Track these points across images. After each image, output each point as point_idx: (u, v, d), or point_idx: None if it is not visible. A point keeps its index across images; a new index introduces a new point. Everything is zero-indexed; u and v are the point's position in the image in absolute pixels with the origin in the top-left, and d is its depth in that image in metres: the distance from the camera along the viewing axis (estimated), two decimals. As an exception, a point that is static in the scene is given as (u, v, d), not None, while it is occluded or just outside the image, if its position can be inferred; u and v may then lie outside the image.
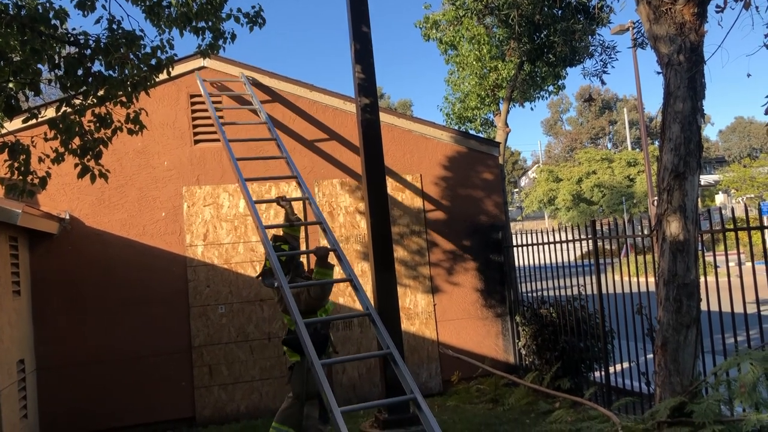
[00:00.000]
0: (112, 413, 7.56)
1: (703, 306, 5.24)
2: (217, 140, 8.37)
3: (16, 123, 6.43)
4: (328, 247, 6.01)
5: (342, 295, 8.43)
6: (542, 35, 13.32)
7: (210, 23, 5.52)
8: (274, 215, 8.28)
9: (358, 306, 8.46)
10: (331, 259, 5.92)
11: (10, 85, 4.58)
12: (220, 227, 8.22)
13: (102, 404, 7.53)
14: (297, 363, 5.67)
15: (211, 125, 8.39)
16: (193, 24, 5.42)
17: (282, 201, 6.28)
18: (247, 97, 8.38)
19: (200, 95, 8.38)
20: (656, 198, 5.35)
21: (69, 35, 4.88)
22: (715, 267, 7.25)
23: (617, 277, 7.14)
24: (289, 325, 5.71)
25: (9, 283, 6.56)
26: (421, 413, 4.77)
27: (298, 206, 8.11)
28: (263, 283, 5.82)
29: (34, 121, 5.15)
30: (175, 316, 7.91)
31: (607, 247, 8.83)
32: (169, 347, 7.85)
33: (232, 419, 7.88)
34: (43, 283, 7.49)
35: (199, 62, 8.34)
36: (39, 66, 4.68)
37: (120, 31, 4.94)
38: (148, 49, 5.13)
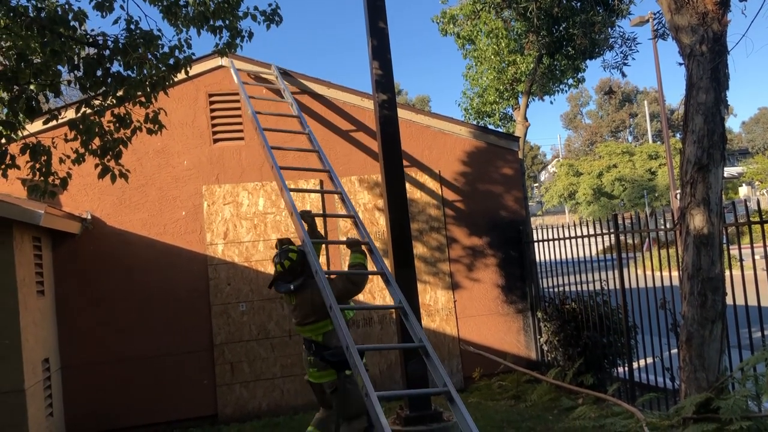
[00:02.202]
0: (136, 411, 7.62)
1: (729, 300, 5.16)
2: (236, 139, 8.41)
3: (37, 124, 6.48)
4: (360, 239, 5.80)
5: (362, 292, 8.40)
6: (561, 28, 13.21)
7: (227, 22, 5.53)
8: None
9: (378, 302, 8.45)
10: (338, 255, 5.80)
11: (31, 86, 4.62)
12: (240, 225, 8.25)
13: (125, 402, 7.60)
14: (341, 380, 5.20)
15: (230, 124, 8.43)
16: (211, 23, 5.43)
17: (307, 215, 5.94)
18: (280, 90, 8.38)
19: (219, 94, 8.41)
20: (679, 191, 5.27)
21: (88, 36, 4.91)
22: (741, 260, 7.13)
23: (640, 272, 7.05)
24: (314, 336, 5.28)
25: (33, 282, 6.64)
26: (453, 406, 4.57)
27: (321, 218, 8.09)
28: (278, 291, 5.40)
29: (54, 122, 5.19)
30: (196, 315, 7.96)
31: (630, 241, 8.72)
32: (191, 345, 7.91)
33: (253, 417, 7.92)
34: (65, 282, 7.58)
35: (217, 61, 8.37)
36: (59, 67, 4.73)
37: (138, 32, 4.96)
38: (166, 49, 5.15)
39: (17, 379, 6.01)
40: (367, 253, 5.69)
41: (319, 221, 7.95)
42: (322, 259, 8.28)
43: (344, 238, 5.92)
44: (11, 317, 6.02)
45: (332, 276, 5.55)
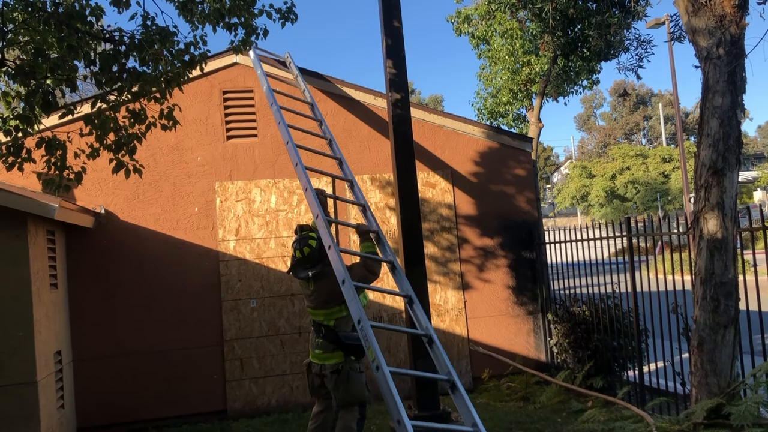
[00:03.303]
0: (146, 405, 7.68)
1: (742, 305, 5.12)
2: (250, 136, 8.44)
3: (53, 119, 6.55)
4: (369, 227, 5.77)
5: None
6: (576, 29, 13.16)
7: (242, 19, 5.54)
8: (305, 210, 8.31)
9: (388, 297, 8.46)
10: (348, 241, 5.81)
11: (48, 81, 4.66)
12: (252, 222, 8.28)
13: (136, 396, 7.65)
14: (347, 364, 5.30)
15: (244, 121, 8.45)
16: (226, 20, 5.44)
17: (321, 194, 5.80)
18: (294, 78, 8.41)
19: (233, 91, 8.44)
20: (692, 195, 5.24)
21: (104, 32, 4.95)
22: (755, 265, 7.08)
23: (652, 275, 7.02)
24: (325, 320, 5.37)
25: (46, 276, 6.69)
26: (455, 394, 4.60)
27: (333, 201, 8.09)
28: (296, 276, 5.45)
29: (70, 117, 5.23)
30: (207, 310, 8.00)
31: (642, 244, 8.68)
32: (202, 341, 7.95)
33: (263, 413, 7.95)
34: (78, 276, 7.63)
35: (232, 58, 8.40)
36: (75, 62, 4.76)
37: (154, 28, 4.98)
38: (181, 46, 5.17)
39: (30, 371, 6.06)
40: (375, 242, 5.66)
41: (330, 209, 7.97)
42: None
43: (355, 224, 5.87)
44: (25, 310, 6.08)
45: (349, 264, 5.52)
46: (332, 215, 7.96)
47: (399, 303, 8.34)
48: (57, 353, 6.91)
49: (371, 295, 8.32)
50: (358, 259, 5.64)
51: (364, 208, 6.10)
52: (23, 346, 6.05)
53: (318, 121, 7.62)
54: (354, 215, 8.40)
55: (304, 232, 5.49)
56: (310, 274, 5.32)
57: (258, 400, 8.02)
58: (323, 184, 8.44)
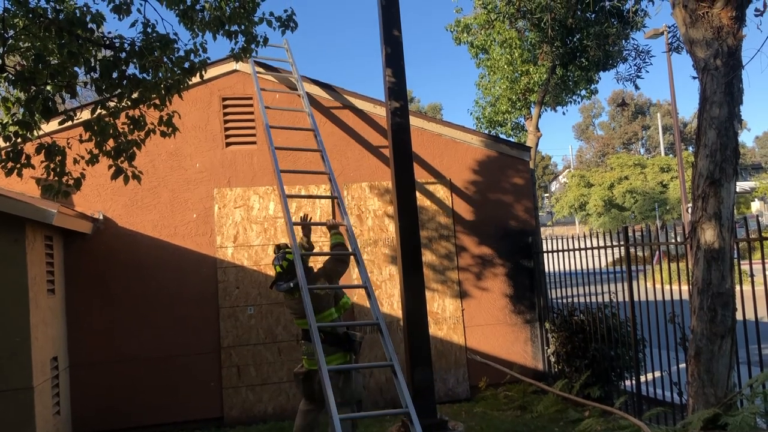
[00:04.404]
0: (142, 411, 7.65)
1: (739, 316, 5.13)
2: (249, 143, 8.46)
3: (53, 125, 6.56)
4: (340, 222, 6.38)
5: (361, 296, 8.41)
6: (575, 39, 13.23)
7: (243, 27, 5.56)
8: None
9: (386, 308, 8.46)
10: (351, 264, 6.18)
11: (48, 87, 4.66)
12: (250, 229, 8.28)
13: (132, 402, 7.63)
14: (348, 363, 5.74)
15: (243, 128, 8.47)
16: (226, 28, 5.45)
17: (304, 223, 6.32)
18: (299, 99, 8.47)
19: (233, 98, 8.47)
20: (690, 205, 5.25)
21: (105, 39, 4.95)
22: (752, 276, 7.09)
23: (649, 285, 7.02)
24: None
25: (44, 281, 6.69)
26: (412, 428, 4.97)
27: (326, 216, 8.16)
28: (279, 290, 5.85)
29: (69, 123, 5.24)
30: (204, 317, 7.99)
31: (640, 254, 8.69)
32: (199, 347, 7.93)
33: (259, 420, 7.93)
34: (76, 281, 7.63)
35: (231, 65, 8.42)
36: (75, 69, 4.77)
37: (154, 35, 4.99)
38: (181, 53, 5.18)
39: (26, 377, 6.04)
40: (344, 236, 6.21)
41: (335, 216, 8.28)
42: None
43: (327, 221, 6.47)
44: (22, 315, 6.07)
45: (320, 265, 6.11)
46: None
47: (396, 311, 8.34)
48: (53, 359, 6.89)
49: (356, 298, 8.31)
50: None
51: (347, 228, 6.51)
52: (20, 352, 6.04)
53: (312, 131, 7.70)
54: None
55: (282, 250, 5.94)
56: (291, 285, 5.72)
57: (255, 407, 8.00)
58: (322, 190, 8.44)
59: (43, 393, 6.38)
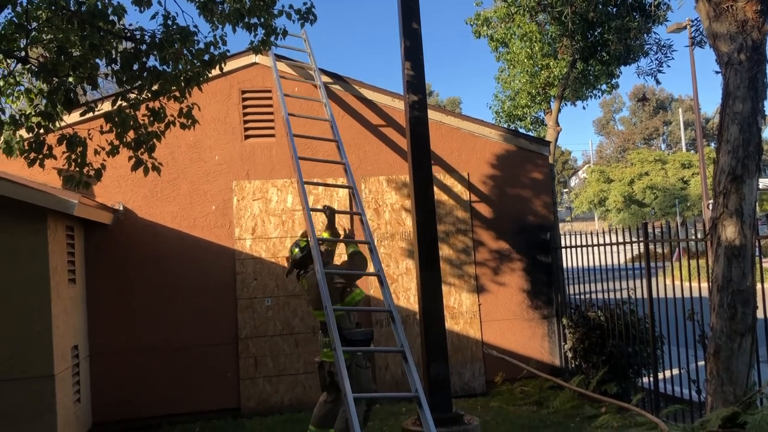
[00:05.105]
0: (160, 401, 7.74)
1: (760, 314, 5.07)
2: (268, 136, 8.48)
3: (74, 116, 6.61)
4: (359, 240, 6.35)
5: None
6: (596, 33, 13.09)
7: (262, 20, 5.57)
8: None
9: (401, 302, 8.46)
10: (365, 252, 6.14)
11: (70, 79, 4.72)
12: (268, 221, 8.33)
13: (150, 392, 7.71)
14: (354, 360, 5.62)
15: (262, 121, 8.50)
16: (246, 20, 5.47)
17: (327, 210, 6.31)
18: (317, 89, 8.49)
19: (252, 90, 8.50)
20: (711, 201, 5.20)
21: (126, 31, 5.00)
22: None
23: (668, 282, 6.96)
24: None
25: (65, 271, 6.78)
26: (421, 411, 4.95)
27: (343, 213, 8.21)
28: (288, 275, 6.08)
29: (91, 114, 5.30)
30: (222, 308, 8.05)
31: (659, 250, 8.61)
32: (216, 338, 8.00)
33: (275, 411, 7.98)
34: (96, 271, 7.72)
35: (251, 58, 8.45)
36: (97, 61, 4.82)
37: (174, 27, 5.02)
38: (201, 45, 5.21)
39: (47, 365, 6.14)
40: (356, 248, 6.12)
41: (346, 218, 8.10)
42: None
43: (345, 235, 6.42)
44: (43, 304, 6.16)
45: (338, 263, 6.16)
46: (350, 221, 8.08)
47: (413, 305, 8.34)
48: (74, 348, 6.99)
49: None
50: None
51: (361, 218, 6.55)
52: (41, 340, 6.13)
53: (329, 122, 7.72)
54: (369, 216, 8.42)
55: (300, 238, 6.06)
56: (299, 272, 5.91)
57: (271, 398, 8.06)
58: (339, 183, 8.46)
59: (64, 381, 6.47)
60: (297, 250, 5.93)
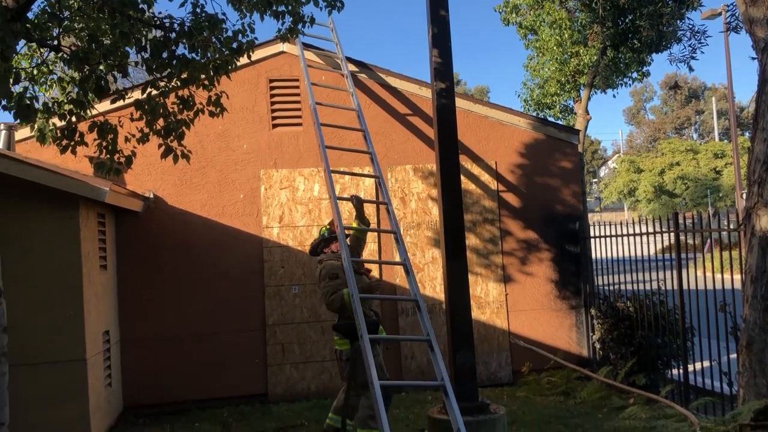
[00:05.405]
0: (189, 386, 7.85)
1: (794, 305, 4.96)
2: (295, 125, 8.51)
3: (105, 104, 6.69)
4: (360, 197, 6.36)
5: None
6: (627, 19, 12.89)
7: (290, 7, 5.57)
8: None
9: (428, 291, 8.46)
10: (390, 242, 6.14)
11: (101, 67, 4.78)
12: (295, 210, 8.37)
13: (179, 377, 7.83)
14: (353, 350, 5.55)
15: (289, 110, 8.53)
16: (274, 8, 5.48)
17: (354, 199, 6.30)
18: (344, 78, 8.47)
19: (280, 79, 8.52)
20: (745, 191, 5.09)
21: (155, 19, 5.04)
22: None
23: (699, 273, 6.85)
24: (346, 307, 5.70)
25: (97, 257, 6.89)
26: (447, 400, 4.94)
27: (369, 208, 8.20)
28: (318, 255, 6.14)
29: (121, 102, 5.37)
30: (250, 295, 8.13)
31: (690, 241, 8.47)
32: (244, 325, 8.08)
33: (302, 397, 8.06)
34: (127, 258, 7.84)
35: (279, 47, 8.47)
36: (127, 49, 4.87)
37: (203, 15, 5.05)
38: (229, 33, 5.23)
39: (79, 349, 6.25)
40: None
41: (372, 207, 8.12)
42: (375, 246, 8.33)
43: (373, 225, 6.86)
44: (75, 290, 6.26)
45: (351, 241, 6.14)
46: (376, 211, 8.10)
47: (439, 294, 8.33)
48: (105, 333, 7.11)
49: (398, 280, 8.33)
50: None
51: (387, 207, 6.58)
52: (73, 325, 6.24)
53: (356, 112, 7.71)
54: (395, 205, 8.41)
55: (327, 230, 6.24)
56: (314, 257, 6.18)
57: (298, 385, 8.13)
58: (365, 172, 8.46)
59: (95, 365, 6.59)
60: (318, 235, 6.24)
